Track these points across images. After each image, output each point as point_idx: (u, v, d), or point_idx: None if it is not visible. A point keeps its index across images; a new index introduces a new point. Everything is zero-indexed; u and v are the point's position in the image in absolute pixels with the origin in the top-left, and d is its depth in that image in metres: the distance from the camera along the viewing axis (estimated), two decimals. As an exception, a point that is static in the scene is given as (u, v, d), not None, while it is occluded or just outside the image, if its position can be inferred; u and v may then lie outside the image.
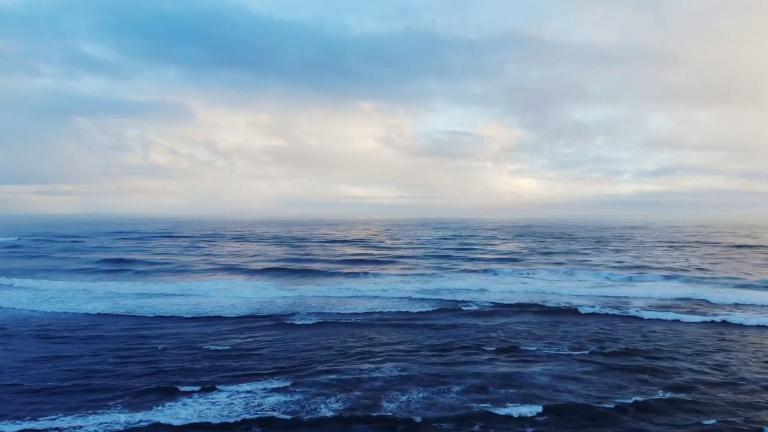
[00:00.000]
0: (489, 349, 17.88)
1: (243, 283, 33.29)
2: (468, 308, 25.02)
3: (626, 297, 27.92)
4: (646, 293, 28.76)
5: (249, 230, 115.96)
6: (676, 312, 23.71)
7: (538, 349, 17.71)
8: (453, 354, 17.34)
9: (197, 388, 13.92)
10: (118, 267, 42.41)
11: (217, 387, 14.10)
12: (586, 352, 17.37)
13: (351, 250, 59.32)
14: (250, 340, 19.24)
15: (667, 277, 35.09)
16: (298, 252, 57.19)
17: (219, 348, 18.16)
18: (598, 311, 24.01)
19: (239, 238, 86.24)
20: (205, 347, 18.17)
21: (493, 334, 19.95)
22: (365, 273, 38.17)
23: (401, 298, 27.51)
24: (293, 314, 23.62)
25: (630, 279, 34.64)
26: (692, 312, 23.86)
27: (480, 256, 52.26)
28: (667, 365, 15.85)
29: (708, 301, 26.63)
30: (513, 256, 51.00)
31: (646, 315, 23.10)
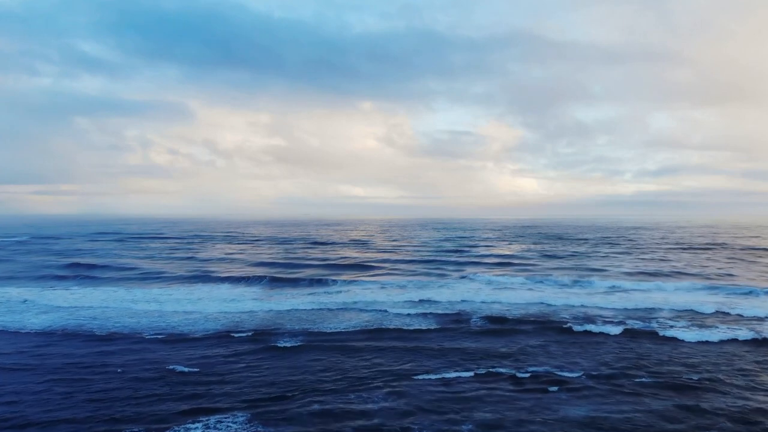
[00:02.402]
0: (500, 372, 15.12)
1: (222, 293, 30.19)
2: (474, 324, 22.16)
3: (648, 309, 25.05)
4: (669, 304, 25.92)
5: (243, 231, 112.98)
6: (710, 328, 20.88)
7: (557, 375, 14.89)
8: (460, 381, 14.58)
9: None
10: (86, 273, 38.94)
11: (174, 427, 11.57)
12: (618, 380, 14.55)
13: (346, 254, 56.41)
14: (221, 364, 16.41)
15: (689, 285, 32.16)
16: (289, 255, 54.20)
17: (184, 371, 15.58)
18: (620, 328, 21.11)
19: (230, 239, 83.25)
20: (166, 374, 15.37)
21: (503, 356, 17.10)
22: (359, 280, 35.16)
23: (397, 314, 24.16)
24: (274, 331, 20.76)
25: (648, 288, 31.70)
26: (726, 327, 21.00)
27: (483, 260, 49.37)
28: (722, 404, 12.96)
29: (740, 314, 23.78)
30: (518, 261, 48.10)
31: (676, 332, 20.22)
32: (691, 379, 14.80)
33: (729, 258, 50.73)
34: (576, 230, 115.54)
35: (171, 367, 16.14)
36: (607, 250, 59.27)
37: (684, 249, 61.21)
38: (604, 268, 41.90)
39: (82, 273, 38.50)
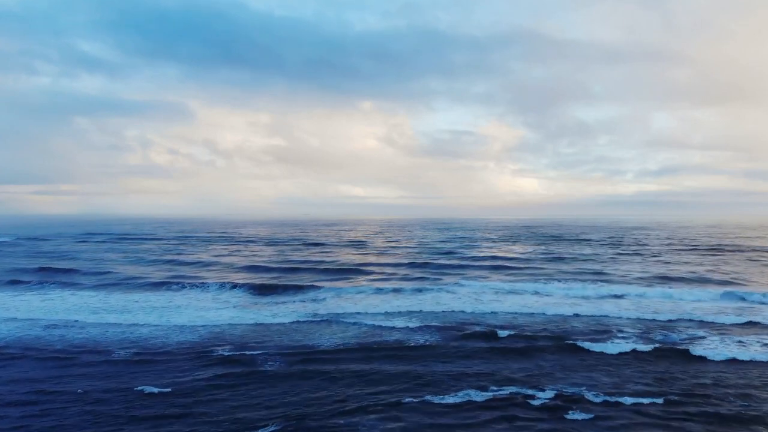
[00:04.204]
0: (511, 396, 13.07)
1: (203, 301, 27.89)
2: (477, 337, 20.12)
3: (667, 319, 23.02)
4: (689, 313, 23.91)
5: (239, 231, 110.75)
6: (740, 342, 18.86)
7: (576, 399, 12.83)
8: (467, 407, 12.57)
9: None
10: (60, 277, 36.39)
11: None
12: (644, 406, 12.48)
13: (342, 256, 54.31)
14: (192, 390, 14.28)
15: (708, 291, 30.02)
16: (282, 258, 52.03)
17: (152, 394, 13.72)
18: (640, 342, 19.12)
19: (225, 240, 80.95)
20: (131, 402, 13.33)
21: (512, 377, 15.02)
22: (354, 287, 32.93)
23: (394, 326, 21.84)
24: (255, 347, 18.70)
25: (663, 294, 29.55)
26: (758, 341, 18.98)
27: (485, 263, 47.27)
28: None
29: (763, 324, 21.76)
30: (521, 264, 46.00)
31: (703, 348, 18.19)
32: (731, 406, 12.76)
33: (741, 260, 48.76)
34: (578, 231, 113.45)
35: (139, 388, 14.17)
36: (613, 252, 57.24)
37: (692, 250, 59.19)
38: (612, 271, 39.84)
39: (56, 278, 36.01)
